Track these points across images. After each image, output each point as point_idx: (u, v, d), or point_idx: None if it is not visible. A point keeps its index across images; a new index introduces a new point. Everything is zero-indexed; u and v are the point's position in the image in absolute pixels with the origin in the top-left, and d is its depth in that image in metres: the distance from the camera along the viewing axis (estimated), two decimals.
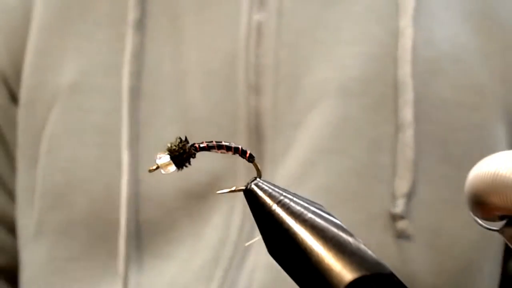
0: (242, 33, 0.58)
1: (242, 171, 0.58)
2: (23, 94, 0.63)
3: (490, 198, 0.34)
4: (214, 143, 0.34)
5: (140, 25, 0.60)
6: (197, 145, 0.34)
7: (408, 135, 0.56)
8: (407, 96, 0.56)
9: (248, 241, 0.57)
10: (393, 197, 0.57)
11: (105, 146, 0.60)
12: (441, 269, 0.58)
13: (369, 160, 0.57)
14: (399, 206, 0.56)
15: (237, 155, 0.35)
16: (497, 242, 0.61)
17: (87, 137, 0.60)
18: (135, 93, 0.59)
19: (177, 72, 0.60)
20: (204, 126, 0.58)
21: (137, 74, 0.59)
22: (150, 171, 0.34)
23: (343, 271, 0.30)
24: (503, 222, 0.36)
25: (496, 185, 0.33)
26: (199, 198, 0.58)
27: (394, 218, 0.57)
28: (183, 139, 0.34)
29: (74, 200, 0.60)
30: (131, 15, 0.60)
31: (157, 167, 0.34)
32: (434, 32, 0.58)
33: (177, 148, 0.34)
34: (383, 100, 0.57)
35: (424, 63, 0.58)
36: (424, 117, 0.57)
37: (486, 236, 0.59)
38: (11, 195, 0.66)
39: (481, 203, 0.35)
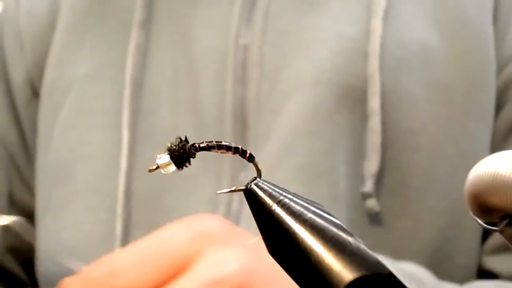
0: (233, 35, 0.65)
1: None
2: (45, 85, 0.71)
3: (490, 198, 0.34)
4: (214, 143, 0.34)
5: (145, 25, 0.67)
6: (197, 145, 0.34)
7: (375, 121, 0.62)
8: (375, 87, 0.62)
9: (235, 218, 0.63)
10: (362, 178, 0.63)
11: (108, 127, 0.67)
12: (404, 250, 0.62)
13: (339, 143, 0.63)
14: (368, 186, 0.62)
15: (237, 154, 0.35)
16: (470, 235, 0.64)
17: (94, 119, 0.67)
18: (138, 83, 0.66)
19: (176, 69, 0.66)
20: (195, 116, 0.65)
21: (140, 67, 0.66)
22: (150, 171, 0.34)
23: (343, 271, 0.30)
24: (503, 222, 0.36)
25: (496, 185, 0.33)
26: (188, 175, 0.64)
27: (364, 196, 0.62)
28: (183, 139, 0.34)
29: (76, 175, 0.67)
30: (137, 16, 0.67)
31: (157, 167, 0.34)
32: (403, 34, 0.64)
33: (177, 148, 0.34)
34: (353, 90, 0.63)
35: (393, 60, 0.63)
36: (391, 108, 0.63)
37: (458, 227, 0.63)
38: (27, 185, 0.73)
39: (481, 203, 0.35)
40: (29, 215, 0.74)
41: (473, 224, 0.64)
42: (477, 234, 0.66)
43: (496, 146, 0.67)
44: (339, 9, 0.65)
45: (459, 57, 0.65)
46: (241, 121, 0.65)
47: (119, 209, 0.65)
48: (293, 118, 0.63)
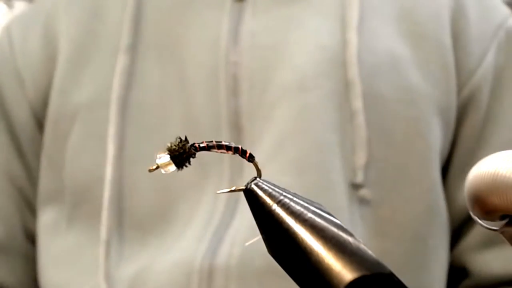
0: (223, 53, 0.72)
1: (227, 156, 0.71)
2: (50, 112, 0.77)
3: (490, 198, 0.34)
4: (214, 143, 0.34)
5: (131, 49, 0.75)
6: (197, 145, 0.34)
7: (360, 119, 0.70)
8: (357, 91, 0.70)
9: (232, 209, 0.69)
10: (353, 170, 0.70)
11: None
12: (384, 235, 0.70)
13: (328, 139, 0.70)
14: (360, 176, 0.70)
15: (237, 154, 0.35)
16: (441, 220, 0.73)
17: (102, 143, 0.73)
18: (124, 101, 0.73)
19: (164, 86, 0.73)
20: (190, 127, 0.71)
21: (126, 87, 0.73)
22: (150, 171, 0.34)
23: (343, 271, 0.30)
24: (503, 222, 0.36)
25: (496, 185, 0.33)
26: (191, 183, 0.71)
27: (356, 187, 0.70)
28: (183, 138, 0.34)
29: (95, 195, 0.73)
30: (124, 41, 0.75)
31: (157, 167, 0.34)
32: (374, 43, 0.73)
33: (177, 148, 0.34)
34: (335, 93, 0.71)
35: (367, 67, 0.72)
36: (369, 110, 0.71)
37: (430, 212, 0.73)
38: (35, 214, 0.79)
39: (481, 203, 0.35)
40: (30, 235, 0.79)
41: (442, 210, 0.73)
42: (445, 219, 0.74)
43: (462, 156, 0.76)
44: (317, 23, 0.73)
45: (421, 64, 0.74)
46: (237, 128, 0.71)
47: (106, 221, 0.71)
48: (283, 120, 0.70)
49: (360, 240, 0.31)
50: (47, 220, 0.77)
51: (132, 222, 0.72)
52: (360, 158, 0.70)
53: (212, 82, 0.72)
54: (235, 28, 0.74)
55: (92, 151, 0.74)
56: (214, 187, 0.70)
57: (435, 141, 0.73)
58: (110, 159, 0.72)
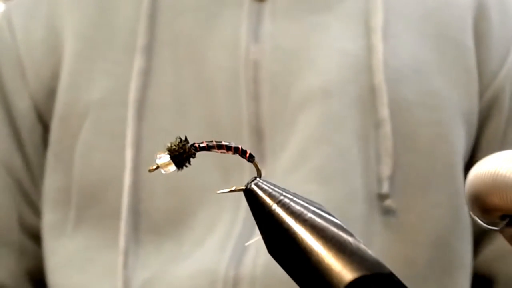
0: (243, 54, 0.71)
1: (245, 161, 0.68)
2: (58, 109, 0.75)
3: (490, 198, 0.34)
4: (214, 143, 0.34)
5: (147, 49, 0.72)
6: (197, 145, 0.34)
7: (387, 129, 0.69)
8: (383, 98, 0.70)
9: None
10: (379, 180, 0.69)
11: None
12: (409, 241, 0.70)
13: (353, 148, 0.69)
14: (385, 187, 0.69)
15: (237, 154, 0.35)
16: (465, 224, 0.73)
17: (115, 143, 0.72)
18: (141, 104, 0.71)
19: (182, 88, 0.71)
20: (211, 130, 0.70)
21: (143, 89, 0.72)
22: (150, 171, 0.34)
23: (343, 271, 0.30)
24: (503, 222, 0.36)
25: (496, 185, 0.33)
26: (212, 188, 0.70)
27: (381, 197, 0.69)
28: (183, 138, 0.34)
29: (107, 196, 0.71)
30: (140, 41, 0.73)
31: (157, 167, 0.34)
32: (398, 49, 0.73)
33: (177, 148, 0.34)
34: (361, 100, 0.70)
35: (392, 72, 0.71)
36: (395, 116, 0.70)
37: (455, 217, 0.72)
38: (33, 207, 0.77)
39: (481, 203, 0.35)
40: (36, 235, 0.78)
41: (466, 214, 0.72)
42: (469, 223, 0.73)
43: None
44: (339, 28, 0.72)
45: (444, 68, 0.73)
46: (257, 133, 0.70)
47: (124, 228, 0.70)
48: (307, 127, 0.69)
49: (360, 240, 0.31)
50: (51, 220, 0.75)
51: (148, 226, 0.70)
52: (386, 168, 0.69)
53: (233, 84, 0.70)
54: (254, 28, 0.72)
55: (104, 150, 0.72)
56: (235, 193, 0.67)
57: (459, 145, 0.72)
58: (128, 163, 0.70)
